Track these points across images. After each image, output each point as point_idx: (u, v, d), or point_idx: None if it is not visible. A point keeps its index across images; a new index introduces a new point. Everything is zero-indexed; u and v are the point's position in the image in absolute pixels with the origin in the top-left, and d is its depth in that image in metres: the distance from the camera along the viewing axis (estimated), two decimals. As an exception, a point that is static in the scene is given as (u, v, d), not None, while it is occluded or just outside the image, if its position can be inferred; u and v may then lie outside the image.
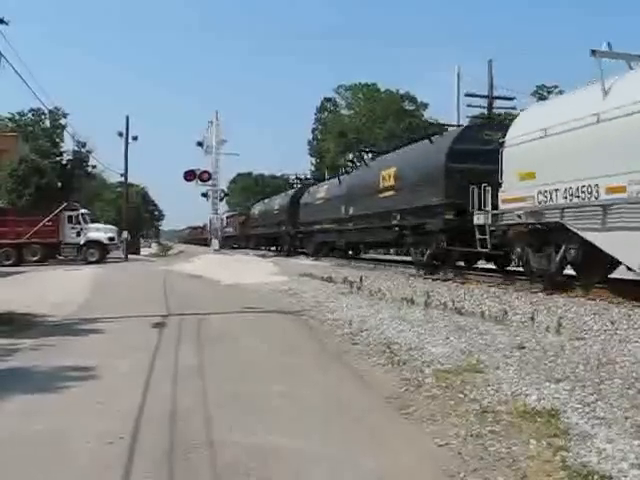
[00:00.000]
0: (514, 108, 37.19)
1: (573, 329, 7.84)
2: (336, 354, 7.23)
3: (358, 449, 4.03)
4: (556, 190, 11.67)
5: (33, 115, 54.75)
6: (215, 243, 45.36)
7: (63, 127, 49.22)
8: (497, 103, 32.75)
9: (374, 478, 3.63)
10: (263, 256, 34.95)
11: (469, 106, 32.61)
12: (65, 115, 49.71)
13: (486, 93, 31.84)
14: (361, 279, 14.78)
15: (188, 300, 12.88)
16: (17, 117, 55.01)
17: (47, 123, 53.38)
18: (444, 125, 23.61)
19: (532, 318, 8.48)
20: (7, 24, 15.74)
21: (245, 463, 3.71)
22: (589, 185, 10.74)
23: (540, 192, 12.17)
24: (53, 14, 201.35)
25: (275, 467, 3.70)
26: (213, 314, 10.63)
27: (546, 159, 12.00)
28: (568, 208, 11.35)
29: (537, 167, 12.38)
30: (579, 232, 11.12)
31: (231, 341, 8.02)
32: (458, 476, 3.55)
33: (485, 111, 32.69)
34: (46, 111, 47.68)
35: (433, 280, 14.79)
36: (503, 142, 13.81)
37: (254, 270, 22.26)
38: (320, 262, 25.98)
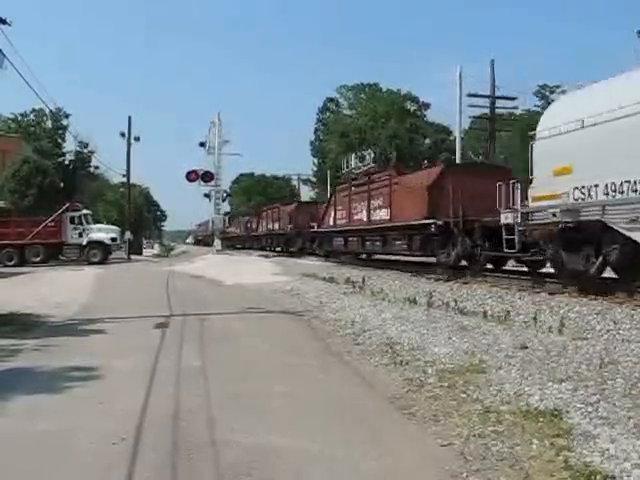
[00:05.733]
0: (516, 108, 37.28)
1: (576, 329, 7.83)
2: (338, 354, 7.23)
3: (360, 449, 4.02)
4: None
5: (35, 116, 54.68)
6: (218, 243, 45.37)
7: (65, 128, 49.34)
8: (499, 103, 32.72)
9: (376, 478, 3.63)
10: (266, 256, 34.95)
11: (471, 106, 32.57)
12: (67, 116, 49.87)
13: (486, 93, 31.77)
14: (363, 279, 14.78)
15: (190, 301, 12.89)
16: (19, 118, 55.03)
17: (49, 124, 53.38)
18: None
19: (535, 318, 8.48)
20: (10, 25, 15.68)
21: (247, 463, 3.71)
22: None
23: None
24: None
25: (276, 467, 3.70)
26: (215, 314, 10.64)
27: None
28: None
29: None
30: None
31: (233, 341, 8.03)
32: (460, 476, 3.55)
33: (487, 111, 32.64)
34: (48, 112, 47.77)
35: (436, 280, 14.76)
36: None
37: (257, 270, 22.26)
38: (322, 262, 25.95)
